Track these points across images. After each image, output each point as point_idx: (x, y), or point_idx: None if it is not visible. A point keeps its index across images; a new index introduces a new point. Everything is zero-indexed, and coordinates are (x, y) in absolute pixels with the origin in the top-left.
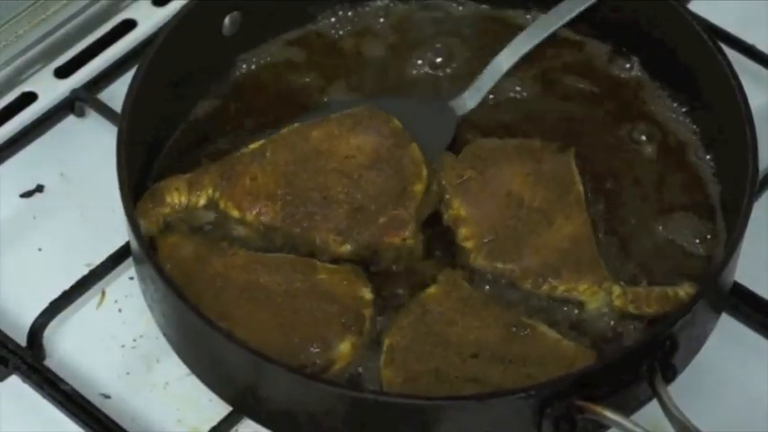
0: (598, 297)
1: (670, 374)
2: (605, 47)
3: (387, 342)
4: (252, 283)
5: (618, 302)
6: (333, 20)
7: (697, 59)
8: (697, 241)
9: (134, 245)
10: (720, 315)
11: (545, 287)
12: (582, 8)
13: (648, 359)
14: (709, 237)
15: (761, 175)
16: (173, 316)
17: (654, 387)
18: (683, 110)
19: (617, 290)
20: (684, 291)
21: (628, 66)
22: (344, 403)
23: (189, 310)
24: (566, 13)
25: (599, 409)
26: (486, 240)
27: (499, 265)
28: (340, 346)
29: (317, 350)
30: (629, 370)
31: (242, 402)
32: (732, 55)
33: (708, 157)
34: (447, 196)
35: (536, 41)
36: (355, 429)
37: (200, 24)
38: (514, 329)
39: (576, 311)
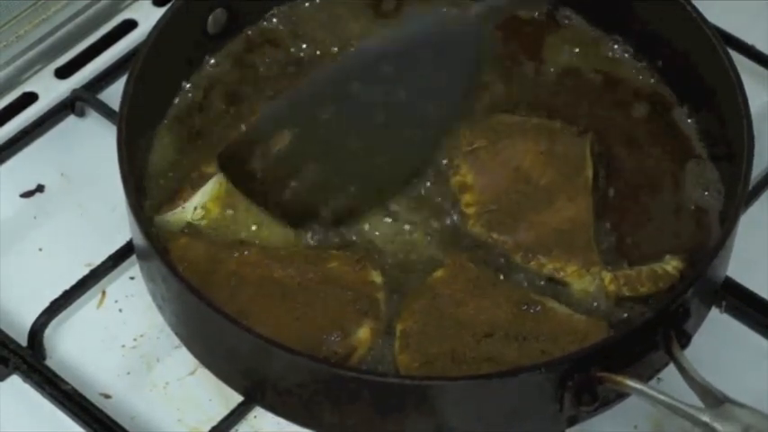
0: (584, 280)
1: (684, 341)
2: (592, 29)
3: (399, 328)
4: (266, 278)
5: (612, 287)
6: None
7: (689, 42)
8: (705, 194)
9: (141, 243)
10: (723, 279)
11: (533, 263)
12: None
13: (664, 327)
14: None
15: (760, 171)
16: (186, 311)
17: (671, 354)
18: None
19: (607, 275)
20: (671, 265)
21: (615, 46)
22: (368, 389)
23: (204, 303)
24: None
25: (619, 378)
26: (487, 209)
27: (494, 236)
28: (359, 333)
29: (336, 340)
30: (646, 339)
31: (259, 393)
32: (732, 55)
33: (691, 120)
34: (456, 162)
35: None
36: (377, 414)
37: (186, 24)
38: (525, 307)
39: (562, 292)
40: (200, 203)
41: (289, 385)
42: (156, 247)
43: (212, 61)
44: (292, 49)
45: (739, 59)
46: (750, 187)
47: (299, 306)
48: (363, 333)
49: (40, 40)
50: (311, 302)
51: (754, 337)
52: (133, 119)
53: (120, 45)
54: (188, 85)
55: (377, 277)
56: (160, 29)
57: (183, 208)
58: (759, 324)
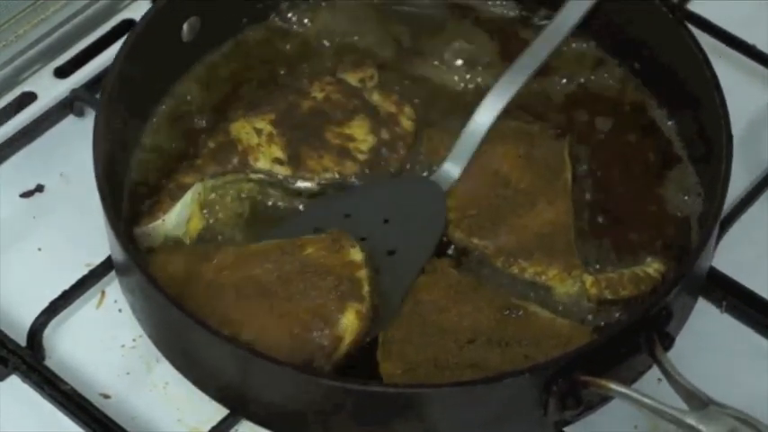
0: (566, 284)
1: (667, 343)
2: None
3: (381, 335)
4: (244, 279)
5: (593, 290)
6: (290, 14)
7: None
8: (686, 198)
9: (119, 257)
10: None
11: (514, 268)
12: (559, 42)
13: (646, 330)
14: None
15: (761, 172)
16: (166, 324)
17: (654, 356)
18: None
19: (589, 278)
20: (653, 268)
21: (593, 49)
22: (350, 397)
23: (184, 315)
24: (543, 52)
25: (603, 382)
26: (467, 214)
27: (474, 240)
28: (343, 321)
29: (321, 333)
30: (630, 342)
31: (240, 405)
32: (732, 55)
33: (671, 122)
34: (434, 167)
35: (514, 91)
36: (361, 422)
37: (160, 33)
38: (507, 312)
39: (544, 296)
40: (179, 214)
41: (271, 396)
42: (137, 261)
43: (191, 71)
44: (272, 59)
45: (739, 59)
46: (750, 187)
47: (280, 302)
48: (348, 320)
49: (39, 39)
50: (292, 297)
51: (754, 337)
52: (110, 131)
53: (120, 45)
54: (166, 96)
55: (356, 255)
56: (133, 40)
57: (164, 220)
58: (759, 324)
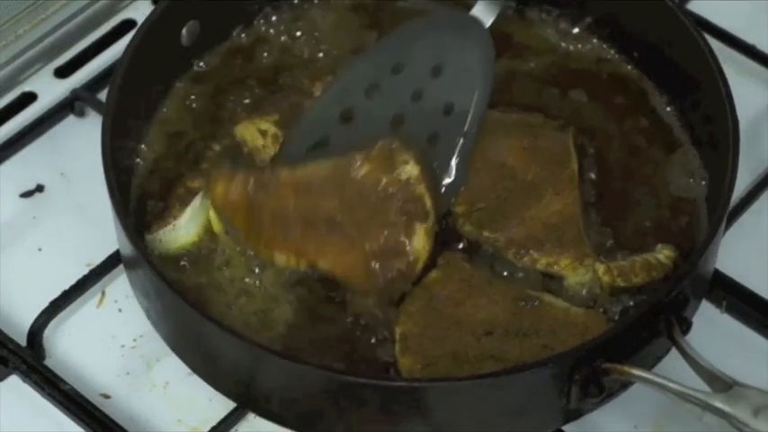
0: (578, 273)
1: (685, 327)
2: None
3: (399, 331)
4: (308, 208)
5: (606, 278)
6: (274, 18)
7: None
8: (690, 181)
9: (128, 251)
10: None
11: (526, 259)
12: None
13: (665, 314)
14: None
15: (761, 172)
16: (173, 317)
17: (674, 340)
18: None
19: (601, 267)
20: (664, 254)
21: (593, 39)
22: (374, 393)
23: (196, 312)
24: None
25: (626, 368)
26: (476, 208)
27: (485, 234)
28: (415, 242)
29: (396, 261)
30: (649, 327)
31: (249, 399)
32: (732, 55)
33: (670, 108)
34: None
35: None
36: (383, 417)
37: (160, 39)
38: (522, 303)
39: (556, 287)
40: (190, 219)
41: (288, 392)
42: (145, 255)
43: (191, 74)
44: (270, 61)
45: (739, 59)
46: (751, 187)
47: (349, 232)
48: (418, 241)
49: (40, 39)
50: (359, 225)
51: (754, 337)
52: (118, 135)
53: (120, 45)
54: (168, 100)
55: (412, 169)
56: (135, 46)
57: (174, 225)
58: (759, 324)
